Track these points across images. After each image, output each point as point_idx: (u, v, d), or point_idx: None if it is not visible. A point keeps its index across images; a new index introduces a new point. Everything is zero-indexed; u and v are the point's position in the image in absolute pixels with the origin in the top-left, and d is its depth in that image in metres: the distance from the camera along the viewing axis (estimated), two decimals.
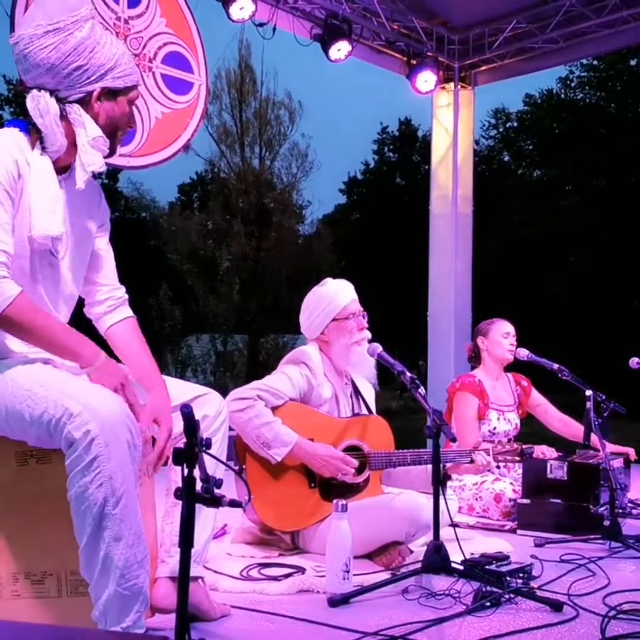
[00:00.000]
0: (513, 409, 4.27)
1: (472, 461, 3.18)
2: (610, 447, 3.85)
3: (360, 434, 3.19)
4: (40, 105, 2.05)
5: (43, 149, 2.07)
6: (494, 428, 4.13)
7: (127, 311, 2.37)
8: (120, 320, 2.34)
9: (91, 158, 2.08)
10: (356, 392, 3.38)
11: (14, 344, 2.05)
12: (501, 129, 29.78)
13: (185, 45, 5.52)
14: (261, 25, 6.07)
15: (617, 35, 6.63)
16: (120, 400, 1.95)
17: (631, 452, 4.10)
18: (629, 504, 4.03)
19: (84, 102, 2.09)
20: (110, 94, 2.12)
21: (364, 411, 3.35)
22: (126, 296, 2.38)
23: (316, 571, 2.80)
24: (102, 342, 2.24)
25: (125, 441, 1.87)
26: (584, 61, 23.29)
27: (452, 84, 7.48)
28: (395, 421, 3.41)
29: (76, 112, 2.08)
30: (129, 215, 26.04)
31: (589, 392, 3.70)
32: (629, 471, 4.04)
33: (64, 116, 2.08)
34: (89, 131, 2.07)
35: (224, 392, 2.94)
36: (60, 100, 2.08)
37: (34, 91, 2.07)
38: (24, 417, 1.92)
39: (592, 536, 3.35)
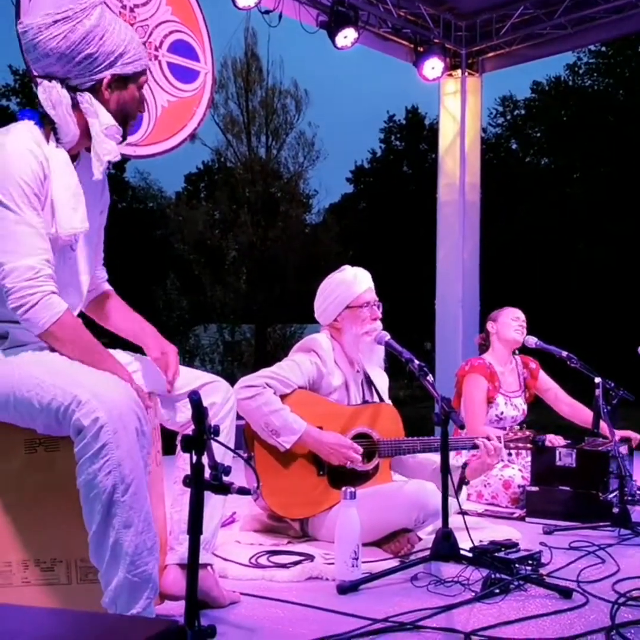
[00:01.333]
0: (520, 394, 4.28)
1: (475, 446, 3.16)
2: (620, 434, 3.84)
3: (369, 421, 3.18)
4: (53, 96, 2.04)
5: (57, 140, 2.07)
6: (502, 413, 4.13)
7: (106, 286, 2.43)
8: (98, 295, 2.40)
9: (106, 147, 2.08)
10: (368, 380, 3.37)
11: (22, 333, 2.05)
12: (508, 117, 29.62)
13: (191, 33, 5.50)
14: (267, 12, 6.05)
15: (625, 20, 6.57)
16: (129, 387, 1.95)
17: (634, 436, 4.07)
18: (638, 491, 4.02)
19: (95, 89, 2.08)
20: (121, 80, 2.11)
21: (376, 399, 3.34)
22: (106, 276, 2.44)
23: (325, 558, 2.80)
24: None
25: (133, 428, 1.87)
26: (592, 47, 23.13)
27: (459, 71, 7.43)
28: (403, 409, 3.41)
29: (88, 101, 2.07)
30: (136, 205, 26.03)
31: (597, 380, 3.68)
32: (632, 458, 4.01)
33: (75, 105, 2.07)
34: (102, 120, 2.07)
35: (232, 382, 2.94)
36: (71, 89, 2.07)
37: (45, 82, 2.06)
38: (33, 404, 1.92)
39: (601, 523, 3.35)
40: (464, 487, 3.71)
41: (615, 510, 3.36)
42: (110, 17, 2.10)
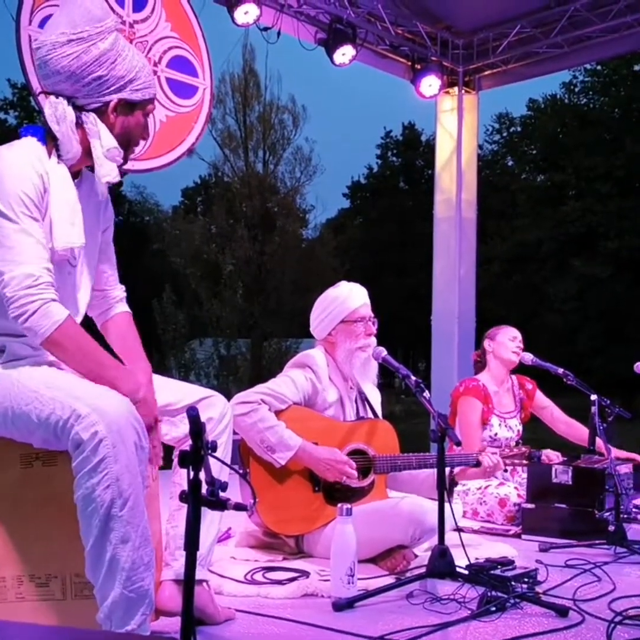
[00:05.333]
0: (515, 415, 4.26)
1: (478, 464, 3.17)
2: (616, 453, 3.84)
3: (365, 437, 3.18)
4: (58, 112, 2.06)
5: (59, 156, 2.08)
6: (495, 434, 4.13)
7: (123, 307, 2.40)
8: (114, 315, 2.37)
9: (106, 169, 2.10)
10: (362, 396, 3.38)
11: (20, 347, 2.06)
12: (505, 134, 29.84)
13: (190, 49, 5.53)
14: (266, 29, 6.08)
15: (621, 40, 6.61)
16: (128, 401, 1.95)
17: (638, 457, 4.08)
18: (634, 509, 4.02)
19: (100, 111, 2.10)
20: (127, 105, 2.13)
21: (370, 415, 3.35)
22: (124, 294, 2.41)
23: (320, 575, 2.79)
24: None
25: (132, 442, 1.87)
26: (588, 66, 23.36)
27: (456, 89, 7.48)
28: (397, 425, 3.41)
29: (92, 121, 2.09)
30: (132, 218, 26.10)
31: (593, 397, 3.69)
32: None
33: (79, 124, 2.09)
34: (104, 142, 2.08)
35: (227, 397, 2.93)
36: (77, 108, 2.09)
37: (52, 97, 2.08)
38: (31, 418, 1.92)
39: (597, 541, 3.34)
40: (460, 505, 3.71)
41: (611, 528, 3.35)
42: (124, 44, 2.13)
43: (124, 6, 5.13)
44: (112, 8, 5.01)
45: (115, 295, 2.38)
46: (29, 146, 2.06)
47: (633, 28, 6.39)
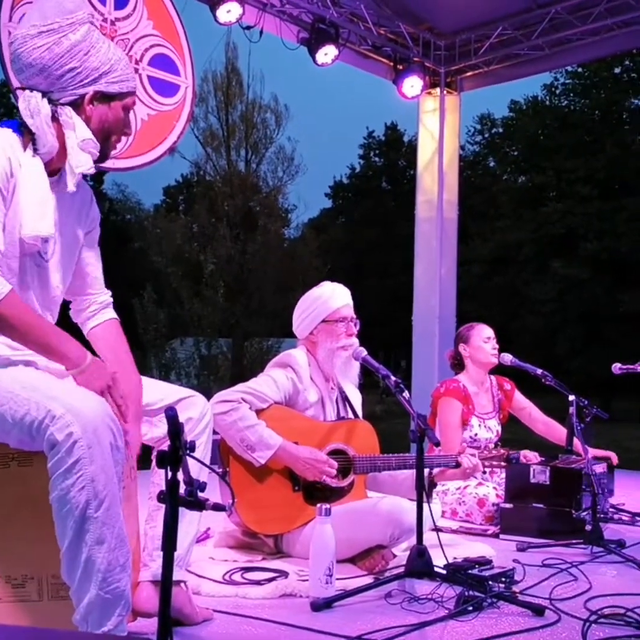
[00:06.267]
0: (494, 416, 4.28)
1: (457, 465, 3.18)
2: (593, 452, 3.87)
3: (345, 437, 3.19)
4: (31, 105, 2.04)
5: (35, 150, 2.06)
6: (475, 434, 4.15)
7: (110, 313, 2.37)
8: (102, 322, 2.34)
9: (79, 159, 2.07)
10: (343, 397, 3.38)
11: None
12: (487, 135, 29.99)
13: (172, 47, 5.51)
14: (248, 28, 6.07)
15: (601, 42, 6.66)
16: (104, 402, 1.94)
17: (613, 456, 4.12)
18: (611, 509, 4.06)
19: (76, 104, 2.08)
20: (104, 98, 2.11)
21: (351, 416, 3.35)
22: (111, 300, 2.38)
23: (299, 575, 2.79)
24: (87, 344, 2.23)
25: (108, 443, 1.86)
26: (569, 68, 23.52)
27: (438, 90, 7.50)
28: (378, 425, 3.42)
29: (67, 114, 2.07)
30: (113, 217, 25.96)
31: (571, 397, 3.71)
32: (613, 476, 4.05)
33: (55, 118, 2.07)
34: (78, 133, 2.06)
35: (208, 396, 2.93)
36: (52, 102, 2.07)
37: (26, 92, 2.07)
38: (6, 419, 1.90)
39: (574, 541, 3.37)
40: (439, 505, 3.72)
41: (588, 527, 3.38)
42: (98, 36, 2.12)
43: (106, 3, 5.10)
44: (94, 5, 5.01)
45: (102, 300, 2.36)
46: (1, 133, 2.05)
47: (613, 31, 6.44)
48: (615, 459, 4.12)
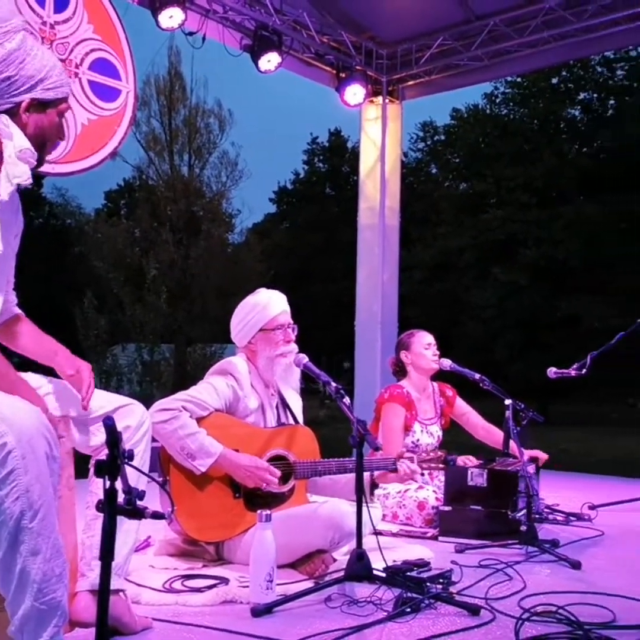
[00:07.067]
0: (435, 422, 4.36)
1: (396, 469, 3.24)
2: (526, 453, 3.96)
3: (286, 443, 3.21)
4: None
5: None
6: (418, 440, 4.21)
7: (16, 310, 2.38)
8: (18, 318, 2.36)
9: (18, 170, 2.05)
10: (283, 403, 3.40)
11: None
12: (429, 142, 30.37)
13: (113, 52, 5.46)
14: (191, 34, 6.04)
15: (539, 54, 6.83)
16: (39, 411, 1.92)
17: (541, 455, 4.17)
18: (546, 510, 4.16)
19: (12, 112, 2.07)
20: (40, 105, 2.10)
21: (291, 421, 3.37)
22: (16, 299, 2.39)
23: (240, 582, 2.80)
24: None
25: (43, 453, 1.84)
26: (509, 78, 23.97)
27: (380, 98, 7.59)
28: (321, 430, 3.45)
29: (4, 122, 2.05)
30: (53, 221, 25.48)
31: (508, 401, 3.81)
32: (539, 477, 4.12)
33: None
34: (16, 142, 2.04)
35: (150, 403, 2.93)
36: None
37: None
38: None
39: (510, 541, 3.45)
40: (380, 509, 3.77)
41: (523, 528, 3.47)
42: (33, 43, 2.10)
43: (45, 6, 5.03)
44: (32, 8, 4.93)
45: (13, 299, 2.36)
46: None
47: (549, 43, 6.62)
48: (542, 459, 4.18)
